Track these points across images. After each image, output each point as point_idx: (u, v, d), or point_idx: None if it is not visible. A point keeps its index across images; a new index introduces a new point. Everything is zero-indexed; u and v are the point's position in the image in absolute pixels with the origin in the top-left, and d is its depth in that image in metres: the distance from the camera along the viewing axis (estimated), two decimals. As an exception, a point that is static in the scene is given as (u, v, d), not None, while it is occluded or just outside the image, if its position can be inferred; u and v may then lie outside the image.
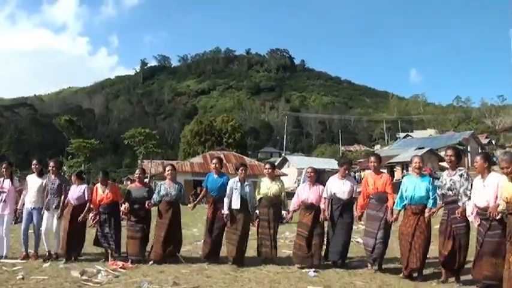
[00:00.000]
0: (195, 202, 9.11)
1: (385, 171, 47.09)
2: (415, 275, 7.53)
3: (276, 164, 58.15)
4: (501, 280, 6.01)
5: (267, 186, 8.99)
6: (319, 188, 8.82)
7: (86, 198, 9.30)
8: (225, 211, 8.78)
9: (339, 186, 8.59)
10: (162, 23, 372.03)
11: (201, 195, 9.16)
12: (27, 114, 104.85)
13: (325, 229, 8.68)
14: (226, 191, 8.88)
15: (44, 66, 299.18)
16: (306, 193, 8.77)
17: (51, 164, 9.49)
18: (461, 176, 7.18)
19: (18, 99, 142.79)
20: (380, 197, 8.11)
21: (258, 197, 9.06)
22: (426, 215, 7.45)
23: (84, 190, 9.40)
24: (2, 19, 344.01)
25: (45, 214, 9.21)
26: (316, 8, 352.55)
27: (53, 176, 9.41)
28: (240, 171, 9.09)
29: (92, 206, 9.31)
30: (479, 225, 6.56)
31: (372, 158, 8.65)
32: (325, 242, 8.65)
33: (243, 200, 8.81)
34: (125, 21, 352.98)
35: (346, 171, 8.78)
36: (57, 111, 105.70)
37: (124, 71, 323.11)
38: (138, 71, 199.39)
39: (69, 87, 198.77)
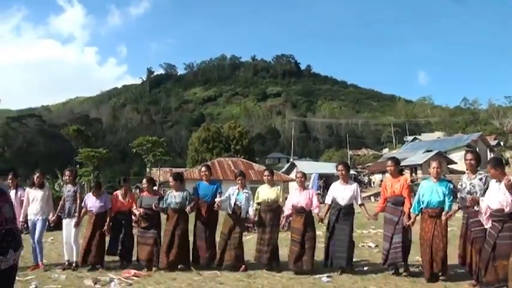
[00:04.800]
0: (191, 206, 8.96)
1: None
2: (440, 276, 7.47)
3: (284, 169, 58.33)
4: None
5: (265, 192, 9.05)
6: (309, 192, 8.89)
7: (109, 206, 9.41)
8: (217, 199, 8.94)
9: (339, 192, 8.61)
10: (169, 31, 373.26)
11: (193, 204, 9.14)
12: (34, 125, 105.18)
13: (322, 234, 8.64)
14: (217, 196, 9.13)
15: (52, 77, 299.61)
16: (297, 197, 8.76)
17: (67, 173, 9.76)
18: (480, 179, 7.12)
19: (25, 110, 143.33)
20: (396, 200, 8.05)
21: (255, 204, 9.10)
22: (443, 218, 7.37)
23: (106, 199, 9.48)
24: (9, 31, 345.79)
25: (65, 222, 9.31)
26: (322, 12, 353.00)
27: (69, 185, 9.59)
28: (237, 180, 9.27)
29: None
30: (490, 227, 6.52)
31: (389, 162, 8.58)
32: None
33: (237, 207, 8.96)
34: (132, 31, 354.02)
35: (342, 173, 8.68)
36: (65, 121, 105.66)
37: (131, 80, 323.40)
38: (144, 79, 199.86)
39: (76, 97, 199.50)
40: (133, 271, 8.53)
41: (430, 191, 7.62)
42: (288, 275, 8.20)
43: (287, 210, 8.87)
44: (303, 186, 8.92)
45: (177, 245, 8.85)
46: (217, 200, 8.93)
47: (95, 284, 7.70)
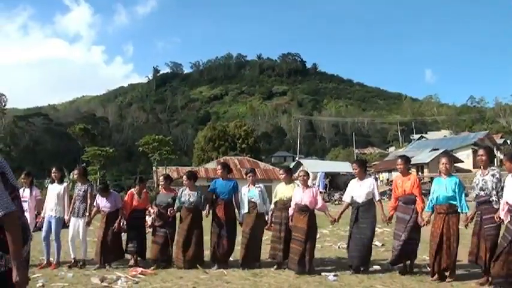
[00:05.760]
0: (208, 208, 9.14)
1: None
2: (447, 274, 7.43)
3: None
4: None
5: (281, 190, 9.03)
6: (313, 191, 8.81)
7: (119, 206, 9.48)
8: (240, 219, 9.15)
9: (355, 189, 8.55)
10: (175, 30, 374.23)
11: (209, 201, 9.25)
12: (41, 124, 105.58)
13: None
14: (235, 194, 9.24)
15: (58, 76, 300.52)
16: (299, 195, 8.62)
17: (76, 171, 9.81)
18: (493, 175, 7.08)
19: (32, 109, 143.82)
20: (407, 199, 7.99)
21: (274, 202, 9.13)
22: (463, 224, 7.36)
23: (114, 198, 9.55)
24: (15, 30, 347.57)
25: (72, 220, 9.32)
26: (327, 11, 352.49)
27: (79, 183, 9.65)
28: (248, 176, 9.38)
29: (124, 212, 9.47)
30: (509, 222, 6.48)
31: (399, 161, 8.48)
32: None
33: (251, 203, 9.01)
34: (138, 30, 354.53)
35: (356, 171, 8.71)
36: (72, 120, 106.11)
37: (138, 78, 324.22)
38: (150, 78, 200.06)
39: (83, 96, 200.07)
40: (140, 269, 8.55)
41: (439, 187, 7.59)
42: (294, 274, 8.17)
43: (291, 209, 8.78)
44: (306, 185, 8.83)
45: (195, 244, 8.92)
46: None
47: (102, 282, 7.72)
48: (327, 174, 47.37)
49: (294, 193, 8.78)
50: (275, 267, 8.69)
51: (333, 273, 8.01)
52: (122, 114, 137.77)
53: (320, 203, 8.67)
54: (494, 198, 6.94)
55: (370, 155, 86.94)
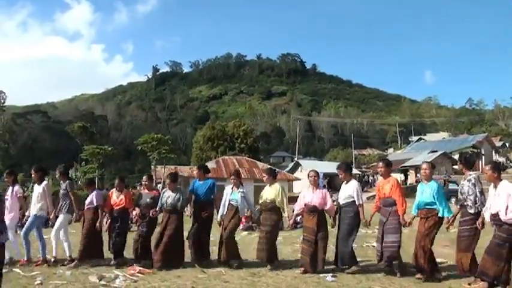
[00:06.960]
0: (182, 205, 9.15)
1: (398, 175, 46.84)
2: (439, 276, 7.54)
3: (288, 168, 58.14)
4: (494, 279, 6.48)
5: (265, 192, 9.11)
6: (323, 192, 8.82)
7: (95, 204, 9.45)
8: (218, 218, 9.22)
9: (341, 191, 8.72)
10: (175, 29, 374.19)
11: (189, 202, 9.40)
12: (40, 122, 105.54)
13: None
14: (212, 194, 9.40)
15: (58, 74, 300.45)
16: (309, 196, 8.69)
17: (57, 171, 9.78)
18: (469, 180, 7.36)
19: (31, 106, 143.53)
20: (385, 201, 8.15)
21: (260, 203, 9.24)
22: (445, 226, 7.57)
23: (92, 195, 9.54)
24: (14, 27, 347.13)
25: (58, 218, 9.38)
26: (327, 11, 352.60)
27: (61, 182, 9.67)
28: (231, 179, 9.50)
29: (105, 210, 9.52)
30: (494, 229, 6.74)
31: (380, 164, 8.72)
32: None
33: (231, 206, 9.11)
34: (138, 28, 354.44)
35: (341, 175, 8.82)
36: (70, 118, 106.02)
37: (137, 77, 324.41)
38: (150, 77, 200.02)
39: (82, 94, 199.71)
40: (138, 268, 8.55)
41: (421, 193, 7.82)
42: (292, 274, 8.19)
43: (297, 208, 8.89)
44: (316, 186, 8.86)
45: (164, 244, 8.87)
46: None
47: (100, 280, 7.72)
48: (325, 175, 47.30)
49: (304, 193, 8.91)
50: (268, 267, 8.71)
51: (331, 274, 8.01)
52: (120, 112, 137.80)
53: (329, 204, 8.70)
54: (468, 202, 7.26)
55: (368, 156, 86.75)
